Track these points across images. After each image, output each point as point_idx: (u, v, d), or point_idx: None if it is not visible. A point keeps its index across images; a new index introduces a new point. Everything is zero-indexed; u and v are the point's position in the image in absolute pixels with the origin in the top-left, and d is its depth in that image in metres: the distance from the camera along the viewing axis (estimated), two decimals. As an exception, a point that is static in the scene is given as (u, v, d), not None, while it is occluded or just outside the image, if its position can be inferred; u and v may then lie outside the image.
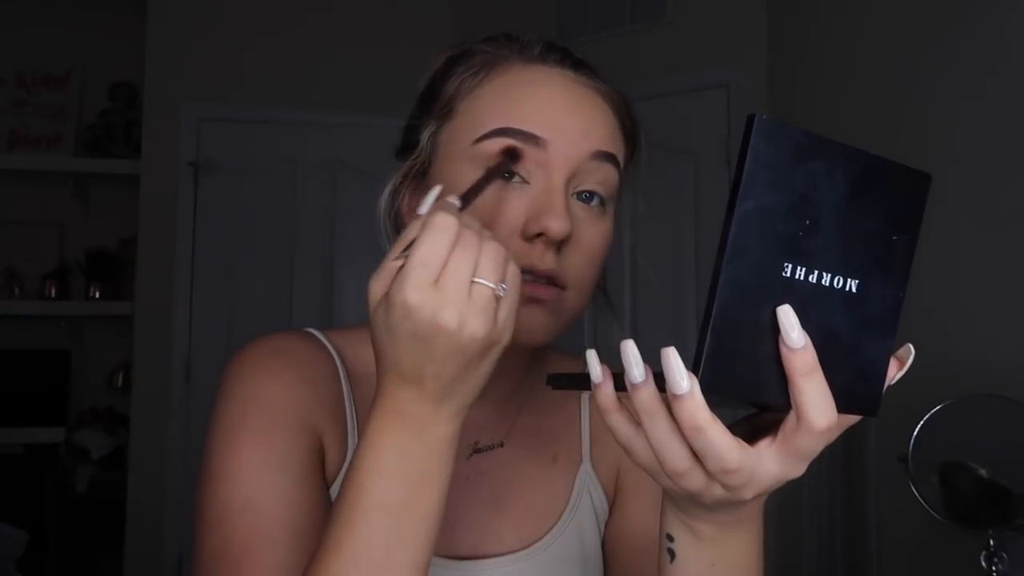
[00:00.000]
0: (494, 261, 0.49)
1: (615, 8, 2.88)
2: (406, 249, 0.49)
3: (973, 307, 1.74)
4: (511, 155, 0.61)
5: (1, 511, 2.36)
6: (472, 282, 0.48)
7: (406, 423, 0.51)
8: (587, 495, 0.75)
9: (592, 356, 0.47)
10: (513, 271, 0.51)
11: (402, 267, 0.48)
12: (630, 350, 0.44)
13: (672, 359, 0.41)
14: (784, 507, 2.36)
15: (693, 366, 0.41)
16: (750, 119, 0.40)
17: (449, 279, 0.47)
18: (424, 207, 0.52)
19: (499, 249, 0.50)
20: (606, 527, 0.76)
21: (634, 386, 0.43)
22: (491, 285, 0.49)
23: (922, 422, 1.38)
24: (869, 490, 2.04)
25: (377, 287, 0.50)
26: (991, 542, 1.34)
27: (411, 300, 0.47)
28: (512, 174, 0.62)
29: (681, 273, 2.64)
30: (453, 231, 0.48)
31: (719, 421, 0.42)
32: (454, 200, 0.52)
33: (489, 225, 0.61)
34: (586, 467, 0.76)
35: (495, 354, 0.51)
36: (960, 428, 1.39)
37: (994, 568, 1.33)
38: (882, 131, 2.02)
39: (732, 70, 2.63)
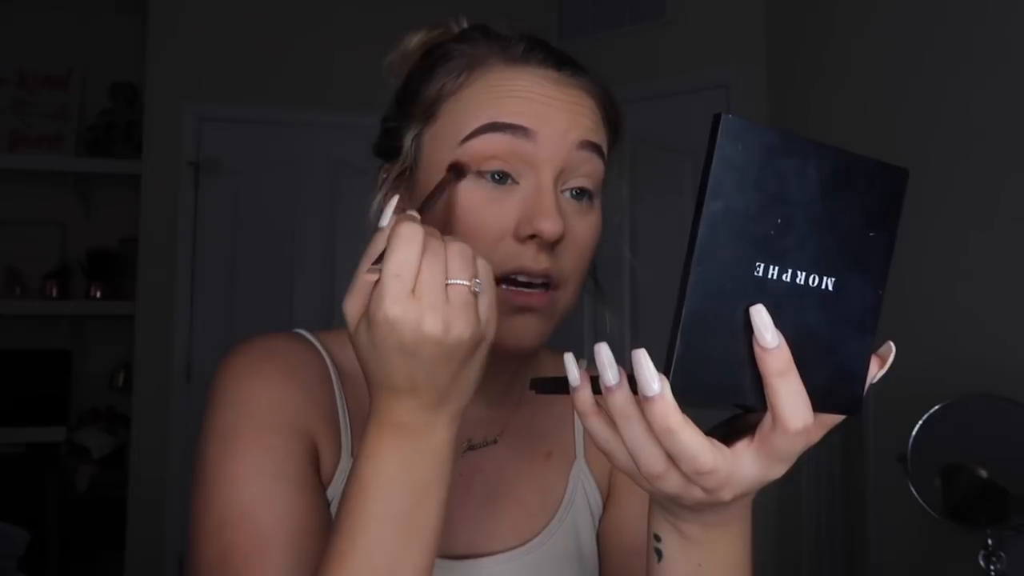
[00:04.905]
0: (463, 259, 0.49)
1: (615, 8, 2.88)
2: (376, 263, 0.49)
3: (973, 307, 1.75)
4: (457, 172, 0.61)
5: (2, 510, 2.36)
6: (447, 284, 0.48)
7: (405, 433, 0.51)
8: (582, 492, 0.75)
9: (570, 359, 0.46)
10: (483, 264, 0.51)
11: (377, 282, 0.48)
12: (604, 353, 0.43)
13: (643, 361, 0.41)
14: (784, 506, 2.37)
15: (664, 368, 0.41)
16: (716, 119, 0.40)
17: (425, 286, 0.48)
18: (384, 220, 0.52)
19: (464, 247, 0.50)
20: (600, 523, 0.76)
21: (608, 389, 0.43)
22: (466, 283, 0.49)
23: (921, 422, 1.38)
24: (868, 490, 2.04)
25: (353, 307, 0.50)
26: (989, 541, 1.34)
27: (392, 314, 0.47)
28: (504, 175, 0.62)
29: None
30: (420, 239, 0.48)
31: (691, 423, 0.42)
32: (412, 212, 0.53)
33: (480, 228, 0.61)
34: (580, 464, 0.76)
35: (483, 351, 0.51)
36: (959, 428, 1.40)
37: (992, 567, 1.33)
38: (882, 130, 2.03)
39: (732, 70, 2.63)
